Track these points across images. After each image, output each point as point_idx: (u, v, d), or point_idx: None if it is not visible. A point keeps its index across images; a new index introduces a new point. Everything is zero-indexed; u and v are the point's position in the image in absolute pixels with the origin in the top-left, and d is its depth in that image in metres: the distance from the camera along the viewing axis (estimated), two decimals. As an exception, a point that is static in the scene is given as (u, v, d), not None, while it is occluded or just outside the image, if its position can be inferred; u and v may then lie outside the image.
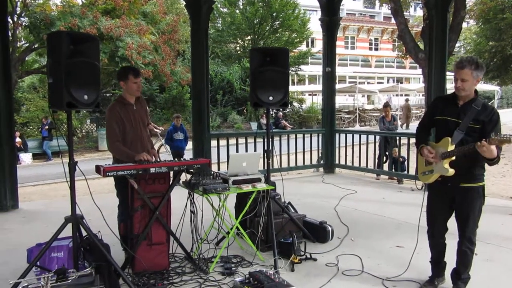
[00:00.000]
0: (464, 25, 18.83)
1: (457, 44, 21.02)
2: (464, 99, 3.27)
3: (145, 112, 4.40)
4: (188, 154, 8.57)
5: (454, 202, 3.38)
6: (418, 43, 15.55)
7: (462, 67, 3.15)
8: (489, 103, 3.54)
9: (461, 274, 3.45)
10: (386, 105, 10.41)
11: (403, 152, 9.15)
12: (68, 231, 3.46)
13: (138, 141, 4.18)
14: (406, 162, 8.84)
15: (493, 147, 2.97)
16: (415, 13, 35.96)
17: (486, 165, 3.27)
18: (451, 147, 3.21)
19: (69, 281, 3.00)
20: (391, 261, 4.25)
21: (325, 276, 3.87)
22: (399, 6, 14.72)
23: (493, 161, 3.09)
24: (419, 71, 18.82)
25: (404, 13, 15.81)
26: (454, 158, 3.21)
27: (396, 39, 26.47)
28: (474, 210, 3.30)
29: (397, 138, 9.31)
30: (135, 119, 4.18)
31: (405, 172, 8.75)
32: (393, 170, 8.79)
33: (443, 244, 3.59)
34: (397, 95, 33.69)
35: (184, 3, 8.41)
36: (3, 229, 5.63)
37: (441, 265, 3.66)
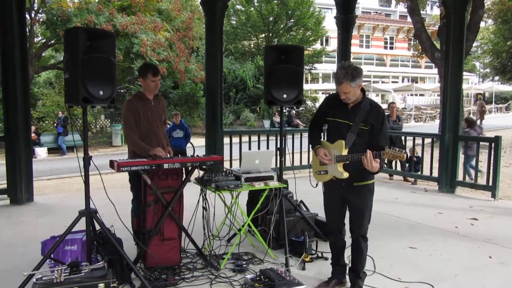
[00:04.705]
0: (482, 24, 18.51)
1: (474, 44, 20.69)
2: (354, 102, 3.34)
3: (163, 109, 4.43)
4: (200, 151, 8.59)
5: (348, 199, 3.45)
6: (435, 42, 15.35)
7: (340, 83, 3.22)
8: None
9: (359, 272, 3.52)
10: (392, 103, 10.30)
11: (418, 152, 9.03)
12: (81, 224, 3.50)
13: (154, 136, 4.23)
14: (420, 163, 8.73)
15: (376, 164, 3.09)
16: (432, 12, 35.51)
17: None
18: (345, 151, 3.29)
19: (82, 274, 3.03)
20: (403, 262, 4.21)
21: (336, 275, 3.84)
22: (415, 4, 14.53)
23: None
24: (435, 70, 18.56)
25: (421, 11, 15.61)
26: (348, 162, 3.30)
27: (412, 38, 26.16)
28: (367, 206, 3.44)
29: (403, 138, 9.17)
30: (152, 114, 4.22)
31: (419, 172, 8.64)
32: (406, 169, 8.70)
33: (343, 241, 3.62)
34: (411, 95, 33.32)
35: (200, 0, 8.44)
36: (18, 222, 5.73)
37: (342, 266, 3.65)
